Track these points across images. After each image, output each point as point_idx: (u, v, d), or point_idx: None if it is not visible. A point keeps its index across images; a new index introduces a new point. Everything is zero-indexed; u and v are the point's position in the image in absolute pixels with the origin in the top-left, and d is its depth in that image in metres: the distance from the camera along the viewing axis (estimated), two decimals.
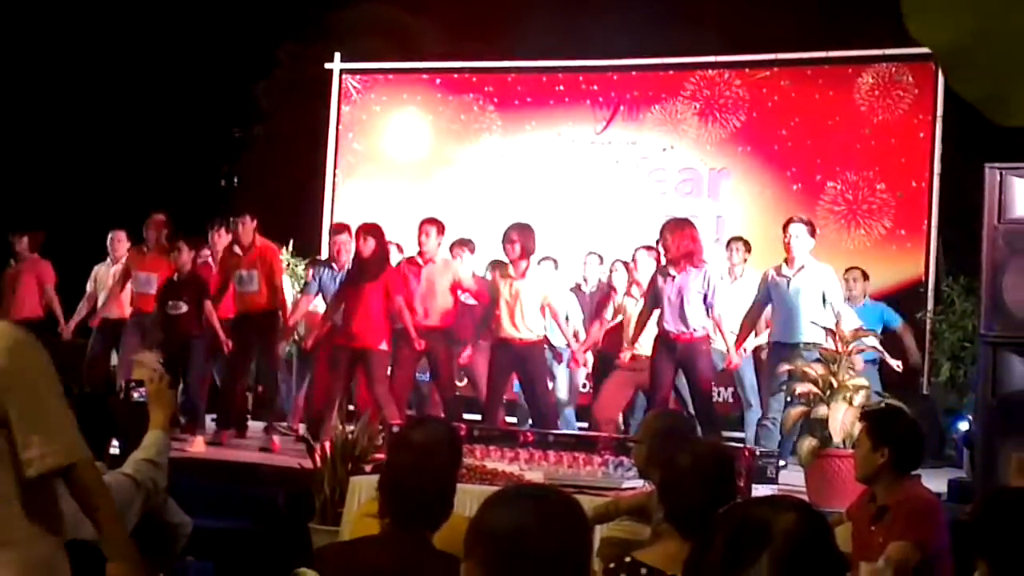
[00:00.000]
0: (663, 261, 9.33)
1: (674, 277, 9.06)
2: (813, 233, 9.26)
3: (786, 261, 9.18)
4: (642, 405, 9.92)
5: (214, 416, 10.58)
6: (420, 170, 13.27)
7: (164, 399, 4.36)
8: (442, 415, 9.71)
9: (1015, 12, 2.32)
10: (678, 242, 9.05)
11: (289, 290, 11.23)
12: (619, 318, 10.16)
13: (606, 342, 10.33)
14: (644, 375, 9.40)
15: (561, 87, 12.93)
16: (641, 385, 9.63)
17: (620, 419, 10.19)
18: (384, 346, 9.65)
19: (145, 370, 6.42)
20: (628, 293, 10.08)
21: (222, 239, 10.86)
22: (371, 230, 9.74)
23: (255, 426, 10.79)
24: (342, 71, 13.57)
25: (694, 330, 9.03)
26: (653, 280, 9.25)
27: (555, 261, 11.05)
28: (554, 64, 13.03)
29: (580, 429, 10.33)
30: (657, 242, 9.48)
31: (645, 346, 9.48)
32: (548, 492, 2.57)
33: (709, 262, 9.47)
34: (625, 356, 9.66)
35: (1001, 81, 2.39)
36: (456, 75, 13.42)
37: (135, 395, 4.28)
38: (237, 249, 10.30)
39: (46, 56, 15.67)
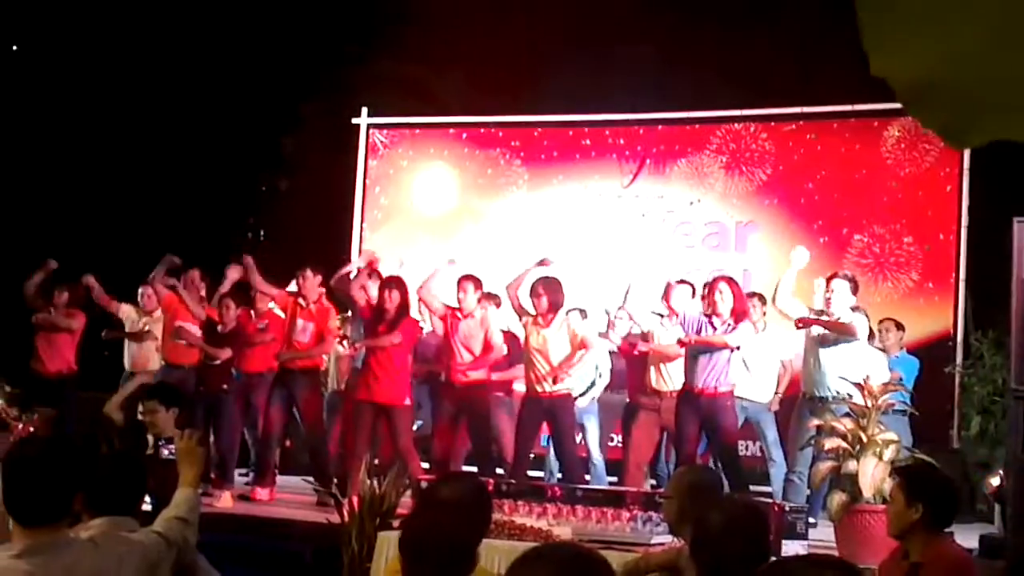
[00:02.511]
0: (706, 313, 9.36)
1: (731, 329, 9.12)
2: (855, 290, 9.26)
3: (827, 314, 9.15)
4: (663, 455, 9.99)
5: (244, 471, 10.61)
6: (447, 224, 13.30)
7: (194, 456, 4.39)
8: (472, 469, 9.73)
9: (975, 42, 2.35)
10: (737, 298, 9.15)
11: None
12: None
13: (631, 383, 10.38)
14: (668, 415, 9.45)
15: (587, 141, 12.97)
16: (666, 426, 9.63)
17: (647, 470, 10.17)
18: (408, 401, 9.70)
19: (171, 428, 6.44)
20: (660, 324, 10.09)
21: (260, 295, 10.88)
22: (394, 283, 9.85)
23: (283, 480, 10.78)
24: (369, 126, 13.67)
25: (719, 385, 9.05)
26: (698, 330, 9.27)
27: (582, 311, 11.04)
28: (580, 118, 13.08)
29: (610, 483, 10.29)
30: (703, 297, 9.50)
31: (667, 383, 9.54)
32: (577, 551, 2.56)
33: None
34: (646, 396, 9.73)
35: (961, 110, 2.43)
36: (482, 129, 13.48)
37: (165, 452, 4.31)
38: (301, 301, 10.39)
39: (77, 107, 15.81)
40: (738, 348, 9.23)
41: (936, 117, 2.48)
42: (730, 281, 9.45)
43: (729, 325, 9.11)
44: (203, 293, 11.17)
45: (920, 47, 2.36)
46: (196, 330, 10.93)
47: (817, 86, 12.37)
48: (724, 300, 9.19)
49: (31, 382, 11.45)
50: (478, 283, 10.25)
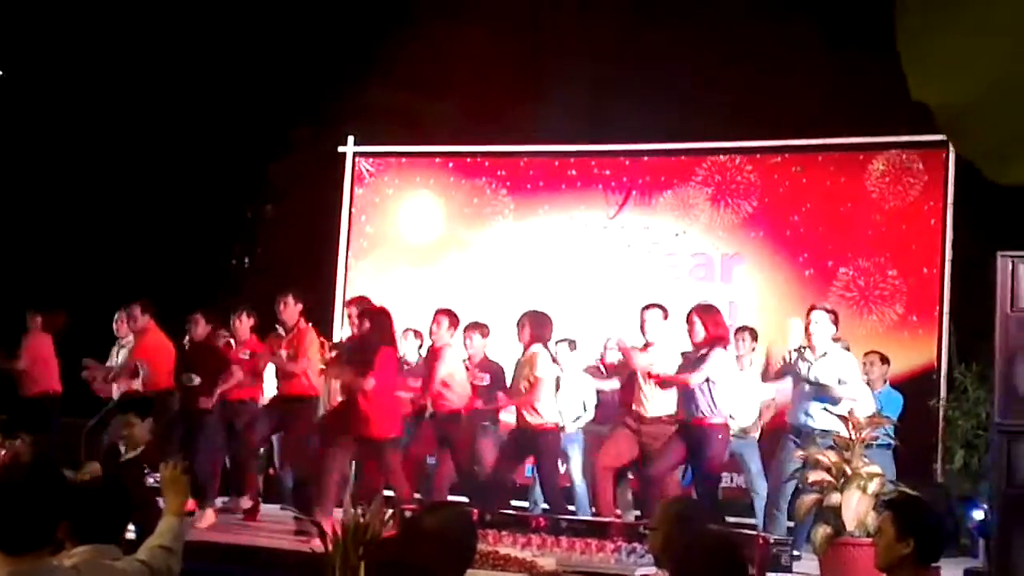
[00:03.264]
0: (692, 343, 9.37)
1: (702, 360, 9.10)
2: (836, 321, 9.28)
3: (808, 347, 9.17)
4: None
5: (225, 499, 10.57)
6: (432, 253, 13.31)
7: (179, 485, 4.38)
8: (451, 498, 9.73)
9: (1020, 68, 2.34)
10: (708, 326, 9.15)
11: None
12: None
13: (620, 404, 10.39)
14: (647, 439, 9.43)
15: (573, 172, 13.00)
16: (645, 446, 9.54)
17: (614, 481, 10.02)
18: (395, 433, 9.69)
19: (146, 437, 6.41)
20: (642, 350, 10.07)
21: (243, 324, 10.85)
22: (369, 313, 9.83)
23: (266, 509, 10.75)
24: (355, 154, 13.68)
25: (711, 414, 9.05)
26: (686, 361, 9.27)
27: (571, 342, 11.07)
28: (566, 148, 13.11)
29: (593, 513, 10.28)
30: (687, 328, 9.52)
31: (646, 408, 9.54)
32: None
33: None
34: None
35: (1003, 139, 2.40)
36: (469, 159, 13.50)
37: (149, 480, 4.32)
38: (280, 329, 10.36)
39: (62, 133, 15.80)
40: (705, 382, 9.17)
41: (976, 146, 2.45)
42: (702, 310, 9.46)
43: (701, 356, 9.11)
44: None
45: (962, 73, 2.34)
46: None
47: (802, 119, 12.42)
48: (696, 331, 9.25)
49: (14, 405, 11.45)
50: (453, 317, 10.34)
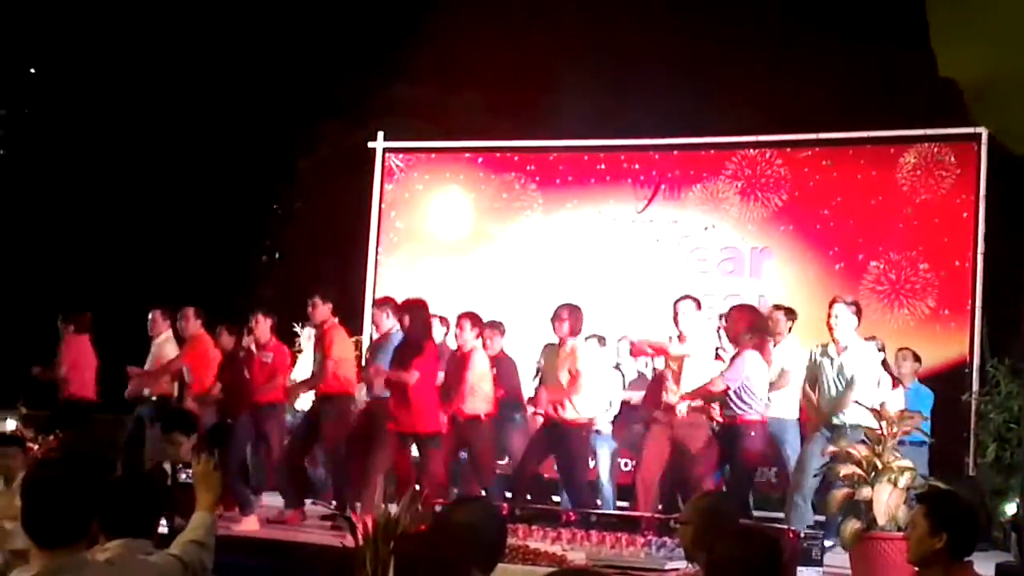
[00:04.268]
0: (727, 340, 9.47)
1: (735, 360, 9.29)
2: (858, 313, 9.22)
3: (832, 341, 9.14)
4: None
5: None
6: (461, 248, 13.32)
7: (211, 481, 4.41)
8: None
9: None
10: (746, 324, 9.22)
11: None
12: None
13: (646, 400, 10.42)
14: (679, 430, 9.46)
15: (603, 166, 12.97)
16: (677, 441, 9.56)
17: (656, 491, 10.04)
18: (438, 428, 9.76)
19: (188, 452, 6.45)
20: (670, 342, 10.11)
21: (261, 325, 10.87)
22: (410, 307, 9.88)
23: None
24: (385, 150, 13.68)
25: (748, 411, 9.12)
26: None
27: (600, 338, 11.07)
28: (596, 143, 13.09)
29: (621, 507, 10.28)
30: (721, 327, 9.57)
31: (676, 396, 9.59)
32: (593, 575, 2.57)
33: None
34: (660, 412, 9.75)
35: None
36: (498, 154, 13.48)
37: (182, 476, 4.34)
38: (311, 331, 10.43)
39: (92, 129, 15.89)
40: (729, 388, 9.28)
41: (998, 118, 2.46)
42: (737, 310, 9.63)
43: (730, 359, 9.20)
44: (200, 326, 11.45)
45: (990, 49, 2.35)
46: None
47: (833, 112, 12.37)
48: (727, 329, 9.50)
49: (55, 405, 11.60)
50: (476, 320, 10.38)
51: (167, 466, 7.86)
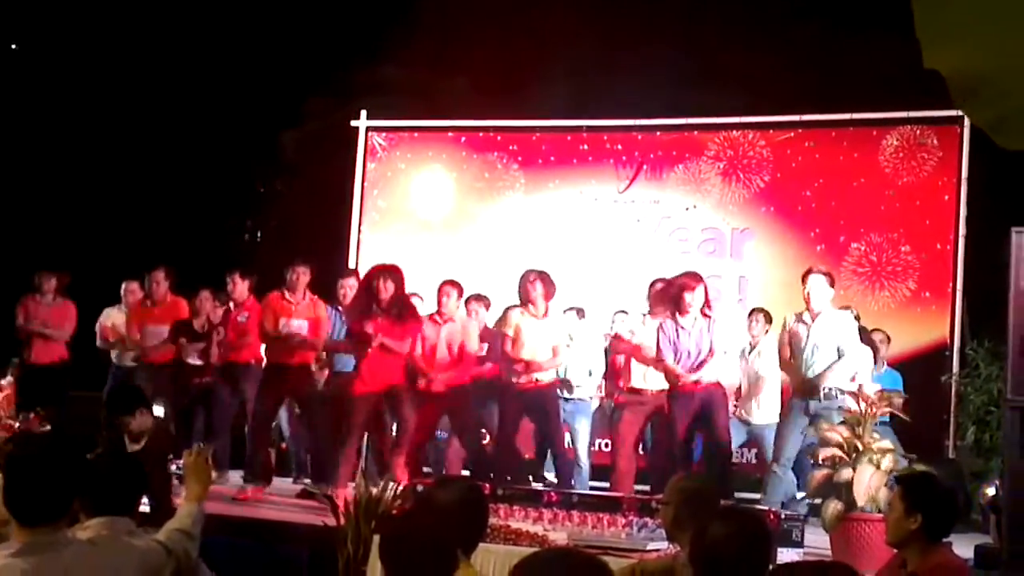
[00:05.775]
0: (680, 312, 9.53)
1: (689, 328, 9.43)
2: (832, 283, 9.28)
3: (807, 310, 9.18)
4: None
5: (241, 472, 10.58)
6: (444, 227, 13.31)
7: (201, 472, 4.43)
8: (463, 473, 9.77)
9: None
10: (694, 293, 9.42)
11: None
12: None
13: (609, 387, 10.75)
14: (649, 406, 9.83)
15: (585, 146, 12.97)
16: (649, 415, 9.93)
17: (634, 465, 10.15)
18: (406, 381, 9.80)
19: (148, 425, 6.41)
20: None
21: (239, 286, 10.85)
22: (388, 271, 9.87)
23: (277, 482, 10.74)
24: (368, 128, 13.65)
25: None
26: (664, 330, 9.54)
27: (579, 310, 11.15)
28: (578, 123, 13.09)
29: (598, 487, 10.30)
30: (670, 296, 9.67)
31: (642, 381, 9.95)
32: (576, 556, 2.57)
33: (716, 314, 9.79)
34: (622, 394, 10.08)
35: (1013, 106, 2.40)
36: (481, 133, 13.46)
37: (172, 467, 4.38)
38: (289, 296, 10.31)
39: (74, 106, 15.81)
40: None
41: (986, 113, 2.45)
42: (651, 286, 10.13)
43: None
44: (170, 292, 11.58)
45: (976, 41, 2.34)
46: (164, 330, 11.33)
47: (816, 94, 12.37)
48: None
49: (25, 374, 11.54)
50: (460, 289, 10.39)
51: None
